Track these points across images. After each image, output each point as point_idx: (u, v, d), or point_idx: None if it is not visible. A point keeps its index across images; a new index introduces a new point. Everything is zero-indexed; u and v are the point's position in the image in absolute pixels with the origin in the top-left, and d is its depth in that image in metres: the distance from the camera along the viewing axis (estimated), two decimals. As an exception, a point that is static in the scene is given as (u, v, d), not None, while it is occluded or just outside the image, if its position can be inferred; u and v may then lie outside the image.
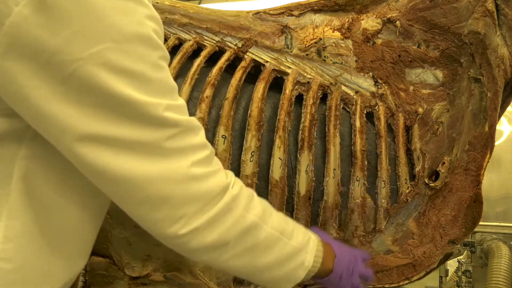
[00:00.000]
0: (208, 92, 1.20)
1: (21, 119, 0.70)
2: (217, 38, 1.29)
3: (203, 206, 0.76)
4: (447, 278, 2.39)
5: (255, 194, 0.88)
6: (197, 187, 0.75)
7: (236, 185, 0.83)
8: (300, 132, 1.20)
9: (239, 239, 0.82)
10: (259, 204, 0.87)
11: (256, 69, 1.27)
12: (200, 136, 0.79)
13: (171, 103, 0.74)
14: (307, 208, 1.20)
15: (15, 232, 0.71)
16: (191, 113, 1.20)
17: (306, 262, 0.92)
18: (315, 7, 1.33)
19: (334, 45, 1.28)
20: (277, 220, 0.89)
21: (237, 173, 1.19)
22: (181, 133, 0.75)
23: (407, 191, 1.26)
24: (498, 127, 1.35)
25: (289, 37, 1.30)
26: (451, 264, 2.41)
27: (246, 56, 1.26)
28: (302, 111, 1.22)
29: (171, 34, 1.29)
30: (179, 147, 0.74)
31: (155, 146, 0.72)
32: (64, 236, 0.78)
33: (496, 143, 1.32)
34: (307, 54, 1.28)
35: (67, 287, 0.82)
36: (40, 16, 0.62)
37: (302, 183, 1.19)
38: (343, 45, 1.28)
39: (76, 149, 0.68)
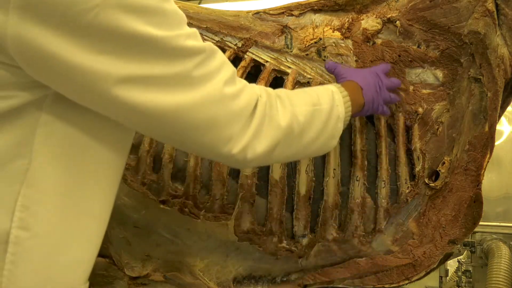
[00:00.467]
0: (208, 92, 1.20)
1: (40, 90, 0.70)
2: (217, 38, 1.29)
3: (245, 121, 0.81)
4: (447, 278, 2.38)
5: (274, 91, 0.92)
6: (236, 105, 0.79)
7: (263, 92, 0.87)
8: (300, 132, 1.20)
9: (285, 136, 0.87)
10: (287, 98, 0.91)
11: (256, 69, 1.27)
12: (220, 57, 0.81)
13: (189, 32, 0.76)
14: (307, 208, 1.20)
15: (32, 200, 0.71)
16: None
17: (340, 114, 0.98)
18: (315, 7, 1.33)
19: (334, 45, 1.28)
20: (303, 96, 0.95)
21: (237, 173, 1.19)
22: (206, 58, 0.77)
23: (407, 191, 1.26)
24: (498, 127, 1.35)
25: (289, 37, 1.30)
26: (451, 264, 2.41)
27: (246, 56, 1.26)
28: (302, 111, 1.21)
29: (171, 34, 1.29)
30: (208, 72, 0.77)
31: (187, 76, 0.74)
32: (83, 206, 0.78)
33: (496, 143, 1.32)
34: (307, 54, 1.28)
35: (88, 264, 0.81)
36: None
37: (302, 183, 1.19)
38: (343, 45, 1.28)
39: (116, 93, 0.69)
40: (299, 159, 1.11)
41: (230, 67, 0.82)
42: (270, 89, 0.91)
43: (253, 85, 0.88)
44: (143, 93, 0.70)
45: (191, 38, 0.75)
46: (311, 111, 0.92)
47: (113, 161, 0.81)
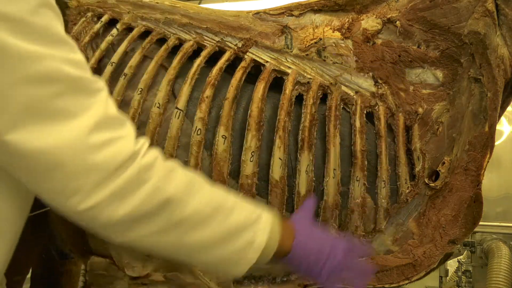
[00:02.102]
0: (208, 92, 1.20)
1: None
2: (217, 38, 1.29)
3: (104, 177, 0.68)
4: (447, 278, 2.39)
5: (179, 168, 0.79)
6: (96, 157, 0.67)
7: (150, 154, 0.74)
8: (300, 132, 1.20)
9: (158, 214, 0.73)
10: (183, 177, 0.78)
11: (256, 69, 1.27)
12: (101, 97, 0.71)
13: (66, 56, 0.67)
14: (307, 208, 1.20)
15: None
16: (192, 113, 1.21)
17: (256, 242, 0.80)
18: (315, 7, 1.33)
19: (334, 45, 1.28)
20: (211, 195, 0.79)
21: (237, 173, 1.19)
22: (73, 90, 0.67)
23: (407, 191, 1.26)
24: (498, 127, 1.35)
25: (289, 37, 1.30)
26: (451, 264, 2.41)
27: (246, 56, 1.26)
28: (302, 111, 1.22)
29: (171, 34, 1.29)
30: (73, 107, 0.67)
31: (46, 106, 0.65)
32: None
33: (496, 143, 1.32)
34: (307, 54, 1.28)
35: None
36: None
37: (302, 183, 1.19)
38: (343, 45, 1.28)
39: None
40: (191, 263, 0.93)
41: (105, 108, 0.70)
42: (172, 163, 0.78)
43: (142, 143, 0.74)
44: (32, 132, 0.63)
45: (64, 61, 0.66)
46: (207, 214, 0.77)
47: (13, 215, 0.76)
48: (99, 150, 0.68)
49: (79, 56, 0.70)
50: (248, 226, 0.81)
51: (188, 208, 0.75)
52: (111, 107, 0.72)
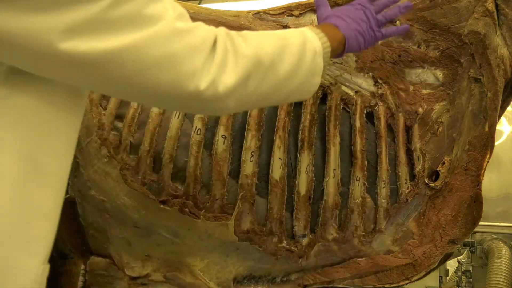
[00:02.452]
0: (208, 92, 1.20)
1: None
2: (217, 38, 1.29)
3: (207, 55, 0.76)
4: (447, 278, 2.39)
5: (235, 31, 0.88)
6: (192, 38, 0.75)
7: (221, 31, 0.82)
8: (300, 132, 1.20)
9: (254, 66, 0.82)
10: (247, 33, 0.88)
11: (256, 69, 1.27)
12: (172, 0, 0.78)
13: None
14: (307, 208, 1.20)
15: None
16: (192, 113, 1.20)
17: (317, 49, 0.93)
18: (315, 7, 1.33)
19: (334, 45, 1.28)
20: (273, 36, 0.90)
21: (237, 173, 1.19)
22: None
23: (407, 191, 1.26)
24: (498, 127, 1.35)
25: (289, 37, 1.30)
26: (451, 264, 2.41)
27: (246, 56, 1.26)
28: (302, 111, 1.22)
29: (171, 34, 1.29)
30: (158, 9, 0.73)
31: (137, 15, 0.70)
32: (41, 179, 0.76)
33: (496, 143, 1.32)
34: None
35: (47, 241, 0.80)
36: None
37: (302, 183, 1.19)
38: (343, 45, 1.28)
39: (63, 48, 0.65)
40: (283, 100, 1.02)
41: (179, 7, 0.78)
42: (223, 28, 0.87)
43: (208, 26, 0.83)
44: (92, 40, 0.67)
45: None
46: (279, 44, 0.88)
47: (66, 137, 0.79)
48: (193, 32, 0.76)
49: None
50: (304, 41, 0.92)
51: (268, 50, 0.85)
52: (177, 4, 0.79)
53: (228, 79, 0.78)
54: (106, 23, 0.68)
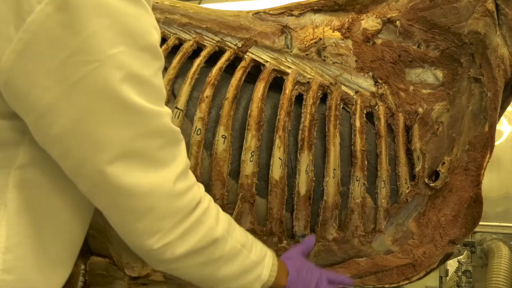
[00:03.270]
0: (208, 92, 1.20)
1: (19, 124, 0.69)
2: (217, 38, 1.29)
3: (180, 220, 0.78)
4: (447, 278, 2.39)
5: (219, 208, 0.91)
6: (178, 203, 0.77)
7: (206, 197, 0.85)
8: (300, 132, 1.20)
9: (206, 250, 0.83)
10: (225, 217, 0.90)
11: (256, 69, 1.27)
12: (182, 145, 0.81)
13: (168, 111, 0.76)
14: (307, 208, 1.20)
15: (14, 242, 0.71)
16: (192, 113, 1.20)
17: (262, 276, 0.94)
18: (315, 7, 1.33)
19: (334, 45, 1.28)
20: (240, 233, 0.93)
21: (237, 173, 1.19)
22: (171, 142, 0.77)
23: (407, 191, 1.26)
24: (498, 127, 1.35)
25: (289, 37, 1.30)
26: (451, 264, 2.41)
27: (246, 56, 1.26)
28: (302, 111, 1.22)
29: (171, 34, 1.29)
30: (168, 156, 0.76)
31: (152, 155, 0.73)
32: (56, 244, 0.78)
33: (496, 143, 1.32)
34: (307, 54, 1.28)
35: None
36: (61, 14, 0.62)
37: (302, 183, 1.19)
38: (343, 45, 1.28)
39: (109, 172, 0.69)
40: None
41: (185, 158, 0.81)
42: (215, 204, 0.89)
43: (199, 185, 0.86)
44: (128, 173, 0.70)
45: (168, 118, 0.76)
46: (238, 250, 0.90)
47: (78, 210, 0.80)
48: (182, 197, 0.78)
49: (168, 108, 0.78)
50: (260, 262, 0.94)
51: (227, 246, 0.87)
52: (184, 152, 0.82)
53: (179, 249, 0.79)
54: (144, 157, 0.72)
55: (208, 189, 1.20)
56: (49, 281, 0.77)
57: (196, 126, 1.18)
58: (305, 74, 1.25)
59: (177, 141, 0.79)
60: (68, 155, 0.70)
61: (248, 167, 1.17)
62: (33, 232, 0.73)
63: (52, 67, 0.63)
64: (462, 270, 2.26)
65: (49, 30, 0.62)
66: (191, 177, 0.82)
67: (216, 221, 0.85)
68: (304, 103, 1.22)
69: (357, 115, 1.24)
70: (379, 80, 1.28)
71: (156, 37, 0.73)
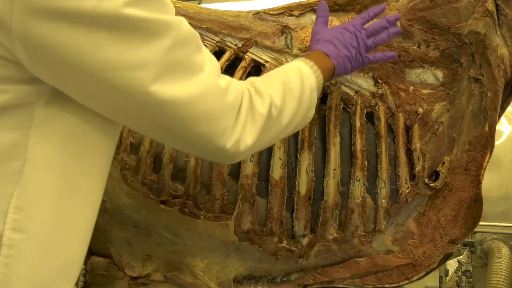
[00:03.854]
0: (208, 92, 1.20)
1: (35, 86, 0.69)
2: (217, 38, 1.29)
3: (236, 114, 0.81)
4: (447, 278, 2.38)
5: (248, 81, 0.92)
6: (229, 98, 0.80)
7: (242, 84, 0.87)
8: (300, 132, 1.20)
9: (266, 123, 0.87)
10: (259, 83, 0.91)
11: (256, 69, 1.27)
12: (206, 48, 0.82)
13: (183, 18, 0.76)
14: (307, 208, 1.20)
15: (27, 201, 0.70)
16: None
17: (312, 85, 0.98)
18: (315, 7, 1.33)
19: (334, 45, 1.28)
20: (274, 78, 0.95)
21: (237, 173, 1.19)
22: (198, 46, 0.78)
23: (407, 191, 1.26)
24: (498, 127, 1.35)
25: (289, 37, 1.30)
26: (451, 264, 2.41)
27: (246, 56, 1.26)
28: (302, 111, 1.22)
29: (171, 34, 1.29)
30: (202, 60, 0.77)
31: (187, 62, 0.74)
32: (75, 207, 0.77)
33: (496, 143, 1.32)
34: (307, 54, 1.28)
35: (78, 266, 0.81)
36: None
37: (302, 183, 1.19)
38: (343, 45, 1.28)
39: (153, 91, 0.70)
40: (287, 135, 1.09)
41: (213, 57, 0.83)
42: (243, 81, 0.92)
43: (233, 78, 0.88)
44: (174, 86, 0.72)
45: (186, 23, 0.76)
46: (283, 91, 0.92)
47: (103, 159, 0.81)
48: (229, 92, 0.80)
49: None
50: (301, 78, 0.97)
51: (277, 102, 0.90)
52: (209, 52, 0.84)
53: (248, 139, 0.83)
54: (180, 68, 0.73)
55: (209, 189, 1.20)
56: (65, 245, 0.76)
57: (196, 126, 1.18)
58: (305, 74, 1.25)
59: (201, 45, 0.80)
60: (109, 91, 0.70)
61: (248, 167, 1.17)
62: (50, 193, 0.72)
63: (63, 10, 0.63)
64: (462, 270, 2.26)
65: None
66: (224, 75, 0.84)
67: (259, 97, 0.87)
68: (304, 103, 1.22)
69: (357, 115, 1.24)
70: (379, 80, 1.28)
71: None
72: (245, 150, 0.83)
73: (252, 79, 0.94)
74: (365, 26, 1.13)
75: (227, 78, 0.83)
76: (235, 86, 0.83)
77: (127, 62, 0.68)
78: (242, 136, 0.82)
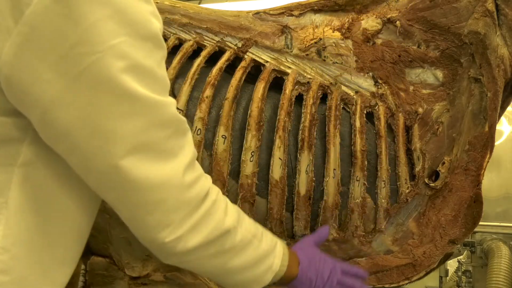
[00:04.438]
0: (208, 92, 1.20)
1: (21, 121, 0.68)
2: (217, 38, 1.29)
3: (190, 211, 0.76)
4: (447, 278, 2.39)
5: (227, 199, 0.89)
6: (188, 194, 0.76)
7: (214, 188, 0.84)
8: (300, 132, 1.20)
9: (217, 242, 0.82)
10: (234, 208, 0.88)
11: (256, 69, 1.27)
12: (190, 137, 0.79)
13: (173, 101, 0.75)
14: (307, 208, 1.20)
15: (12, 241, 0.69)
16: (192, 113, 1.21)
17: (274, 265, 0.92)
18: (315, 7, 1.33)
19: (334, 45, 1.28)
20: (249, 223, 0.91)
21: (237, 173, 1.19)
22: (178, 132, 0.75)
23: (407, 191, 1.26)
24: (498, 127, 1.36)
25: (289, 37, 1.30)
26: (451, 264, 2.41)
27: (246, 56, 1.26)
28: (302, 111, 1.22)
29: (171, 34, 1.29)
30: (176, 146, 0.74)
31: (161, 146, 0.72)
32: (60, 242, 0.77)
33: (496, 143, 1.32)
34: (307, 54, 1.28)
35: None
36: (61, 5, 0.61)
37: (302, 183, 1.19)
38: (343, 45, 1.28)
39: (122, 165, 0.68)
40: (219, 282, 0.99)
41: (192, 147, 0.80)
42: (218, 189, 0.87)
43: (207, 176, 0.84)
44: (143, 166, 0.70)
45: (174, 107, 0.74)
46: (249, 240, 0.88)
47: (92, 193, 0.79)
48: (191, 188, 0.76)
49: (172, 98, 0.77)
50: (271, 251, 0.92)
51: (238, 236, 0.85)
52: (191, 141, 0.80)
53: (191, 242, 0.78)
54: (154, 148, 0.71)
55: (208, 189, 1.20)
56: (52, 281, 0.76)
57: (196, 126, 1.18)
58: (305, 74, 1.25)
59: (184, 131, 0.77)
60: (76, 150, 0.68)
61: (248, 167, 1.17)
62: (35, 231, 0.72)
63: (53, 59, 0.62)
64: (462, 270, 2.27)
65: (49, 22, 0.61)
66: (199, 168, 0.81)
67: (225, 212, 0.84)
68: (304, 103, 1.22)
69: (357, 115, 1.24)
70: (379, 80, 1.28)
71: (157, 25, 0.71)
72: (182, 251, 0.78)
73: (233, 205, 0.89)
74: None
75: (198, 172, 0.79)
76: (203, 185, 0.79)
77: (102, 130, 0.67)
78: (186, 236, 0.77)
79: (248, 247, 0.87)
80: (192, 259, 0.82)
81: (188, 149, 0.77)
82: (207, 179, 0.82)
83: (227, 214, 0.84)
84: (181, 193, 0.75)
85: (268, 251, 0.92)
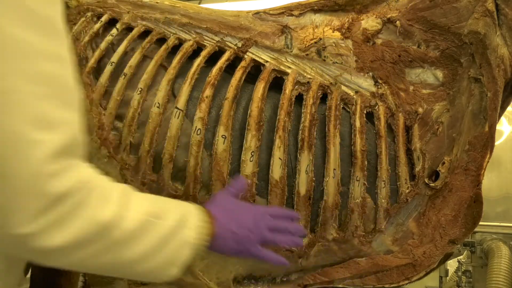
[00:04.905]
0: (208, 92, 1.20)
1: None
2: (217, 38, 1.29)
3: (49, 203, 0.67)
4: (447, 278, 2.39)
5: (112, 185, 0.78)
6: (47, 184, 0.67)
7: (92, 178, 0.74)
8: (300, 132, 1.20)
9: (98, 238, 0.73)
10: (122, 193, 0.78)
11: (256, 69, 1.27)
12: (78, 117, 0.73)
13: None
14: (307, 208, 1.20)
15: None
16: (192, 113, 1.21)
17: (189, 238, 0.84)
18: (315, 7, 1.33)
19: (334, 45, 1.28)
20: (144, 203, 0.81)
21: (237, 173, 1.19)
22: (65, 102, 0.69)
23: (407, 191, 1.26)
24: (498, 127, 1.35)
25: (289, 37, 1.30)
26: (451, 264, 2.41)
27: (246, 56, 1.26)
28: (302, 111, 1.22)
29: (171, 34, 1.29)
30: (56, 121, 0.68)
31: (35, 110, 0.66)
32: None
33: (496, 143, 1.32)
34: (307, 54, 1.28)
35: None
36: None
37: (302, 183, 1.19)
38: (343, 45, 1.28)
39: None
40: (127, 276, 0.92)
41: (68, 134, 0.70)
42: (105, 179, 0.77)
43: (85, 167, 0.74)
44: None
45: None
46: (145, 222, 0.78)
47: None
48: (53, 178, 0.67)
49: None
50: (182, 225, 0.83)
51: (127, 224, 0.75)
52: (78, 129, 0.72)
53: (57, 238, 0.68)
54: None
55: (208, 189, 1.20)
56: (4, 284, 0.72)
57: (196, 126, 1.18)
58: (305, 74, 1.25)
59: (72, 103, 0.70)
60: None
61: (248, 167, 1.17)
62: None
63: None
64: (462, 270, 2.26)
65: None
66: (75, 158, 0.72)
67: (103, 203, 0.73)
68: (304, 103, 1.22)
69: (357, 115, 1.24)
70: (379, 80, 1.28)
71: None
72: (49, 249, 0.68)
73: (125, 187, 0.80)
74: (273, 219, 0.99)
75: (68, 163, 0.69)
76: (71, 177, 0.69)
77: None
78: (50, 231, 0.68)
79: (147, 230, 0.78)
80: (69, 259, 0.73)
81: (60, 133, 0.68)
82: (81, 170, 0.72)
83: (106, 205, 0.74)
84: (37, 183, 0.66)
85: (177, 226, 0.82)
